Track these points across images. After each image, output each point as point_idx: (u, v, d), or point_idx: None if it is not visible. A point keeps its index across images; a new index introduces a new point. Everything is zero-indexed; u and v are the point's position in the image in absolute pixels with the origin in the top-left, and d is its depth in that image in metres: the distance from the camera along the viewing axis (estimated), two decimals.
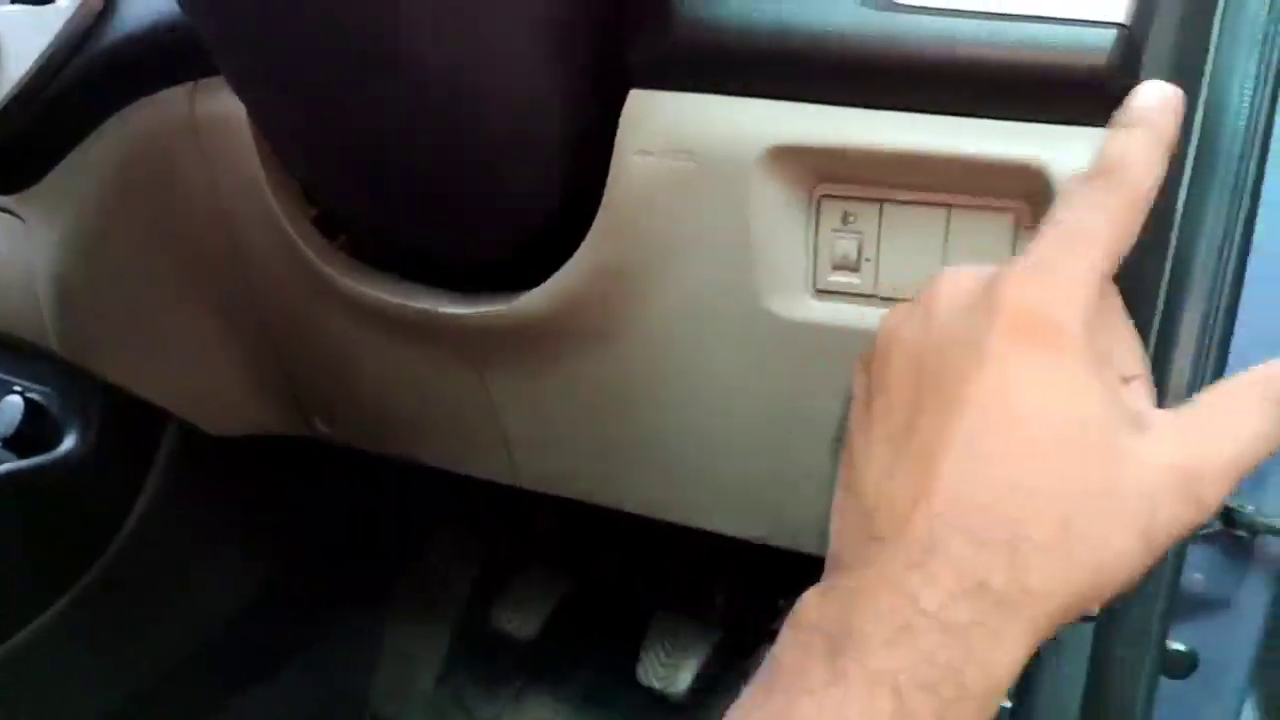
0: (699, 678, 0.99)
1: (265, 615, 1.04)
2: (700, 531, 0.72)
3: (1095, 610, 0.30)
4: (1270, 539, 0.65)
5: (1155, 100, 0.34)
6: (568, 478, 0.75)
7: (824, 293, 0.55)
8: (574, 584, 1.12)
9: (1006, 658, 0.28)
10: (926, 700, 0.27)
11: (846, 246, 0.53)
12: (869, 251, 0.53)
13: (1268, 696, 0.72)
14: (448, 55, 0.51)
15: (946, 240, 0.51)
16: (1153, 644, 0.63)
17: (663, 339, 0.60)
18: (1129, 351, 0.33)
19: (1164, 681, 0.65)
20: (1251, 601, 0.66)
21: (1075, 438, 0.28)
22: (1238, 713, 0.67)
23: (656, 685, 0.98)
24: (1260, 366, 0.31)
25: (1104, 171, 0.32)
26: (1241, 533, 0.64)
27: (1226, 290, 0.60)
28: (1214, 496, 0.29)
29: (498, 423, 0.73)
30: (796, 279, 0.55)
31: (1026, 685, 0.68)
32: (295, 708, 1.06)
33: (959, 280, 0.32)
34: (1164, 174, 0.32)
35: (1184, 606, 0.66)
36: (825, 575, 0.32)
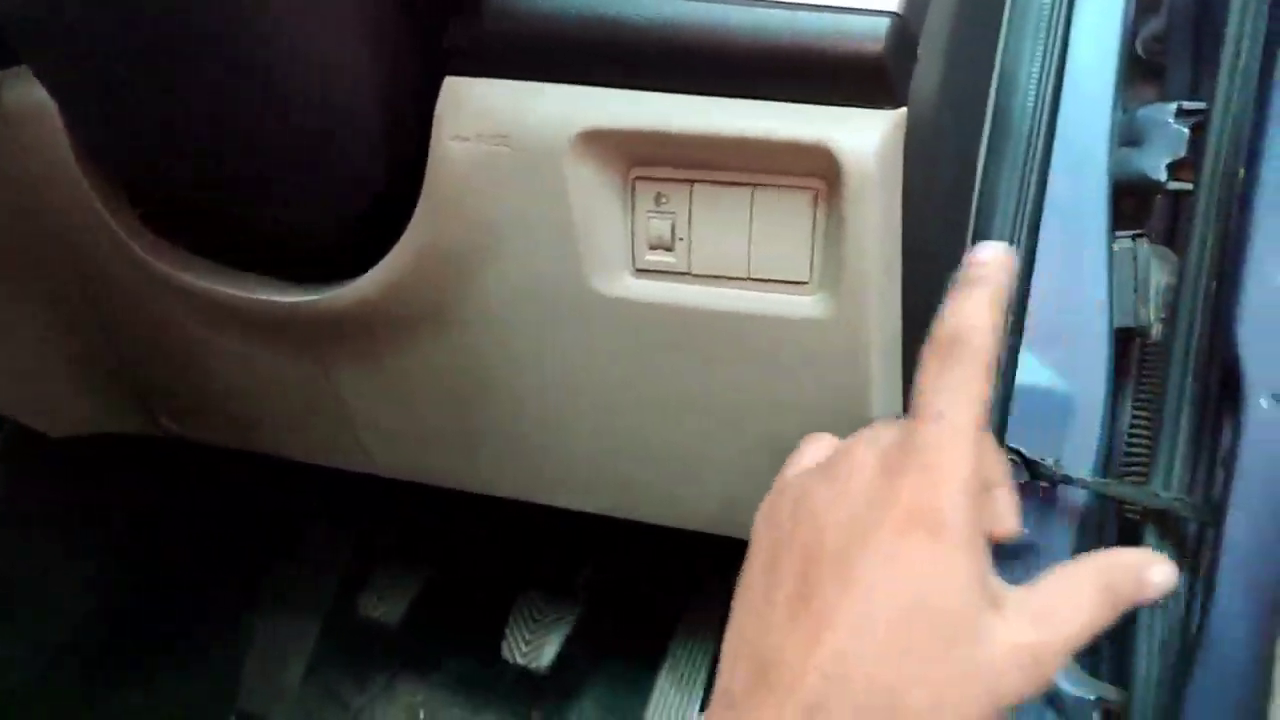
0: (562, 651, 1.01)
1: (124, 619, 1.01)
2: (556, 509, 0.74)
3: None
4: (1071, 489, 0.70)
5: (990, 258, 0.37)
6: (421, 464, 0.76)
7: (643, 271, 0.57)
8: (437, 568, 1.13)
9: None
10: None
11: (661, 227, 0.56)
12: (682, 231, 0.56)
13: None
14: (258, 40, 0.51)
15: (752, 218, 0.54)
16: None
17: (496, 321, 0.62)
18: (993, 466, 0.39)
19: None
20: (1057, 545, 0.71)
21: (948, 623, 0.32)
22: None
23: (521, 661, 1.00)
24: (1101, 555, 0.37)
25: (953, 341, 0.35)
26: (1045, 483, 0.69)
27: (1021, 254, 0.65)
28: (1053, 670, 0.34)
29: (345, 413, 0.73)
30: (617, 259, 0.57)
31: None
32: (160, 708, 1.03)
33: (865, 462, 0.36)
34: (1002, 330, 0.36)
35: (997, 555, 0.71)
36: (715, 703, 0.36)
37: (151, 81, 0.54)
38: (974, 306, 0.36)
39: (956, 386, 0.34)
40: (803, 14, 0.48)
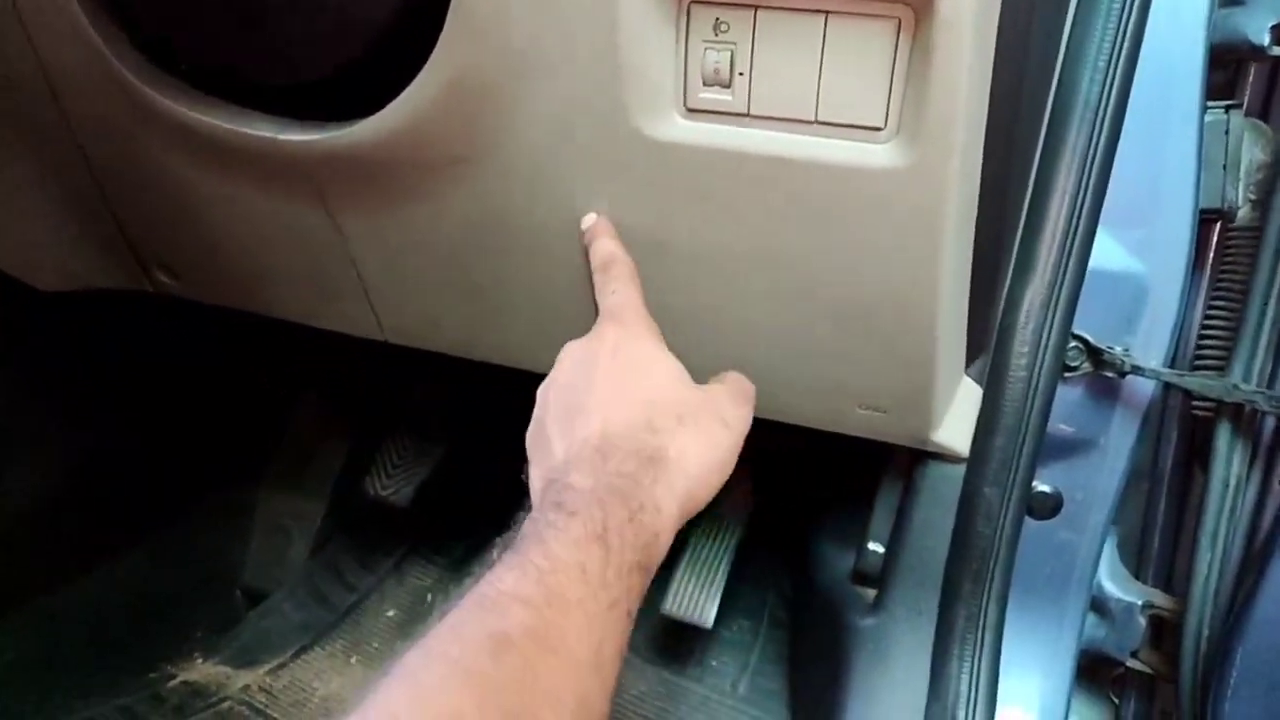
0: None
1: (122, 480, 0.97)
2: None
3: (716, 474, 0.49)
4: (1137, 380, 0.65)
5: (590, 221, 0.57)
6: (432, 329, 0.71)
7: (695, 111, 0.51)
8: (449, 446, 1.08)
9: (664, 492, 0.45)
10: (620, 507, 0.43)
11: (718, 59, 0.49)
12: (742, 65, 0.49)
13: (1125, 535, 0.74)
14: None
15: (823, 52, 0.48)
16: (1017, 484, 0.63)
17: (524, 164, 0.56)
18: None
19: (1029, 523, 0.66)
20: (1118, 442, 0.67)
21: (666, 376, 0.51)
22: (1098, 553, 0.69)
23: None
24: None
25: (608, 264, 0.55)
26: (1110, 374, 0.64)
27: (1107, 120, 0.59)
28: (751, 396, 0.54)
29: (353, 268, 0.68)
30: (666, 96, 0.51)
31: (896, 529, 0.69)
32: (162, 580, 1.01)
33: (572, 346, 0.54)
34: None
35: (1052, 450, 0.66)
36: (533, 502, 0.47)
37: None
38: (605, 242, 0.56)
39: (619, 278, 0.55)
40: None
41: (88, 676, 0.90)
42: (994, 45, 0.47)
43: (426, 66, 0.52)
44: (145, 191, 0.71)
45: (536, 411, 0.52)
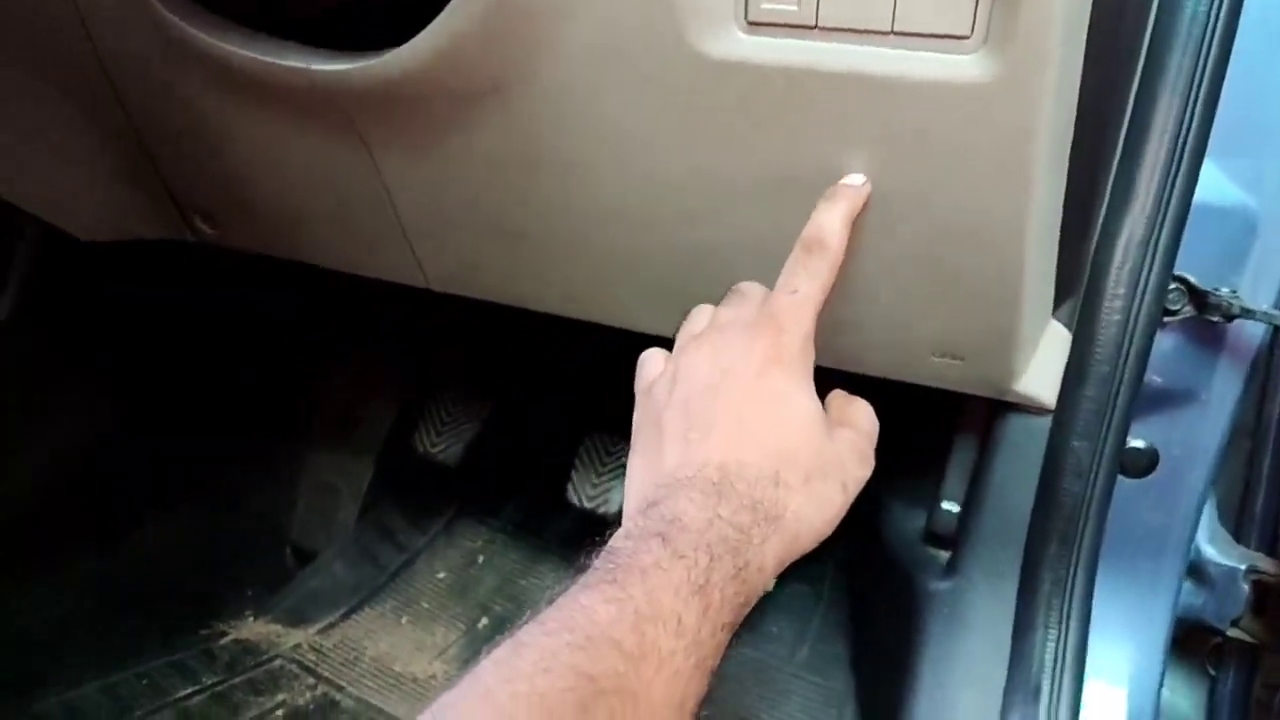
0: None
1: (159, 439, 0.96)
2: (636, 335, 0.65)
3: (818, 539, 0.45)
4: (1243, 325, 0.59)
5: (853, 183, 0.48)
6: (474, 273, 0.67)
7: (756, 25, 0.46)
8: (498, 403, 1.05)
9: (771, 553, 0.42)
10: (728, 561, 0.40)
11: None
12: None
13: (1224, 495, 0.68)
14: None
15: None
16: (1110, 439, 0.58)
17: (570, 91, 0.51)
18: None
19: (1121, 481, 0.61)
20: (1221, 394, 0.61)
21: (805, 426, 0.46)
22: (1197, 514, 0.63)
23: (587, 506, 0.93)
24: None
25: (814, 242, 0.48)
26: (1215, 318, 0.58)
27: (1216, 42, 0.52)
28: (872, 458, 0.49)
29: (392, 210, 0.64)
30: (724, 8, 0.46)
31: (973, 487, 0.64)
32: (213, 537, 1.00)
33: (732, 330, 0.48)
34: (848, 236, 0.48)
35: (1147, 401, 0.61)
36: (631, 513, 0.44)
37: None
38: (833, 218, 0.48)
39: (812, 272, 0.47)
40: None
41: (140, 633, 0.90)
42: None
43: None
44: (182, 134, 0.69)
45: (656, 395, 0.48)
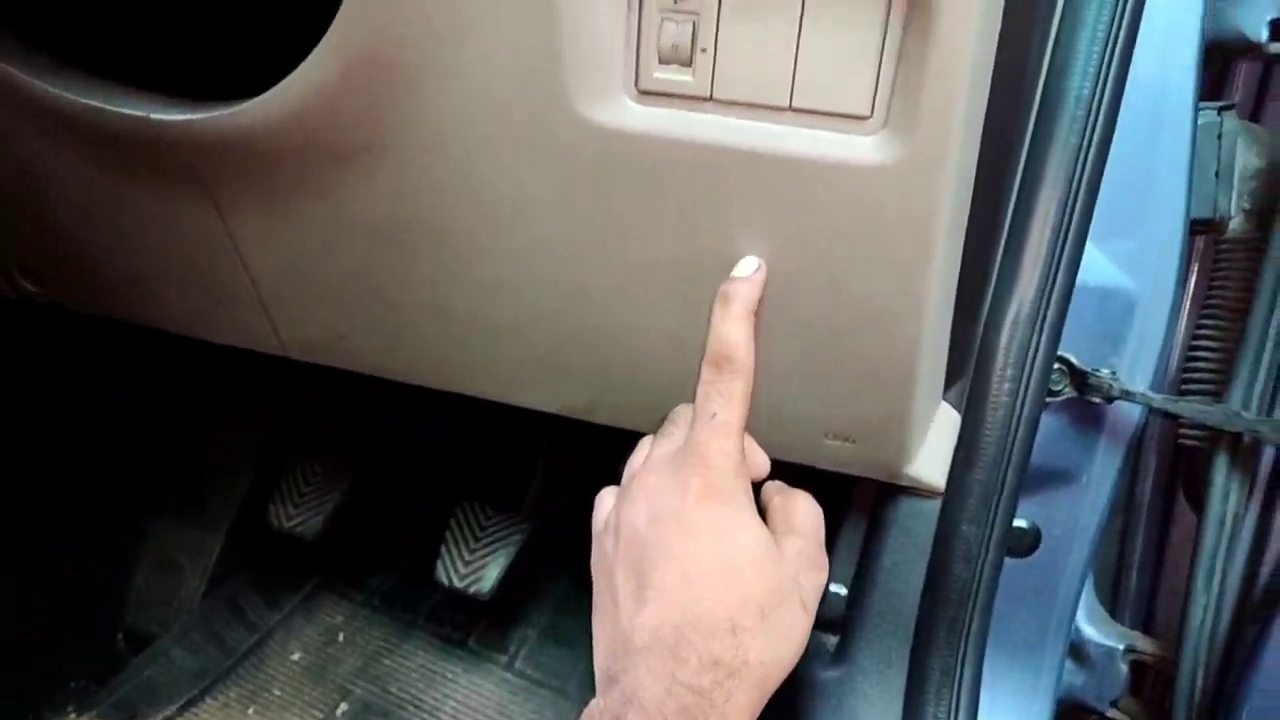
0: (506, 574, 0.88)
1: None
2: (508, 409, 0.61)
3: (789, 668, 0.43)
4: (1120, 405, 0.60)
5: (744, 274, 0.46)
6: (339, 343, 0.62)
7: (648, 94, 0.43)
8: (360, 475, 0.98)
9: (736, 709, 0.41)
10: None
11: (677, 33, 0.42)
12: (705, 40, 0.42)
13: (1098, 572, 0.68)
14: None
15: (801, 28, 0.41)
16: (998, 521, 0.57)
17: (443, 154, 0.47)
18: (749, 448, 0.50)
19: (1005, 562, 0.60)
20: (1100, 474, 0.61)
21: (753, 558, 0.43)
22: (1078, 594, 0.63)
23: (458, 585, 0.87)
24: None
25: (722, 358, 0.45)
26: (1095, 399, 0.58)
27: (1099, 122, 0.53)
28: (824, 561, 0.48)
29: (247, 276, 0.59)
30: (614, 75, 0.43)
31: (861, 571, 0.62)
32: (33, 620, 0.89)
33: (657, 474, 0.46)
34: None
35: (1029, 481, 0.60)
36: (599, 678, 0.44)
37: None
38: (733, 326, 0.45)
39: (726, 394, 0.45)
40: None
41: None
42: (1000, 22, 0.40)
43: (326, 36, 0.44)
44: (2, 179, 0.61)
45: (605, 546, 0.47)
